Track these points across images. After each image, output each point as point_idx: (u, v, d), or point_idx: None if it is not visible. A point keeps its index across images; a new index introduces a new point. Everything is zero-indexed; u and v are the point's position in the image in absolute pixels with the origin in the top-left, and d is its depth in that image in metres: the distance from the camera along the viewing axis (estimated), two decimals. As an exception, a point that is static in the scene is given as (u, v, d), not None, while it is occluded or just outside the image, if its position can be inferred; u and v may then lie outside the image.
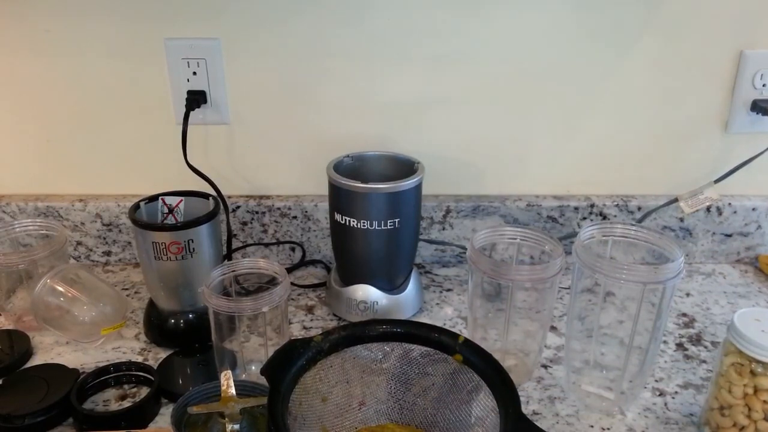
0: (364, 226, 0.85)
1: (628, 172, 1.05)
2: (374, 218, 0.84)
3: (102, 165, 1.04)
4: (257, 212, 1.04)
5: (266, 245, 1.07)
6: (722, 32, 0.95)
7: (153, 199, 0.86)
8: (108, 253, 1.07)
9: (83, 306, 0.84)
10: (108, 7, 0.93)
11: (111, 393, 0.78)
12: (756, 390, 0.64)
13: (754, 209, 1.04)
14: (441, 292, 1.00)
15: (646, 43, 0.96)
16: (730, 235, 1.06)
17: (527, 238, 0.79)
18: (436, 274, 1.05)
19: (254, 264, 0.79)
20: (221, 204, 0.89)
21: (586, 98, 0.99)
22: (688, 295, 0.99)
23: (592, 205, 1.04)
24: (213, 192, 0.92)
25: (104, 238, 1.05)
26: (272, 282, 0.77)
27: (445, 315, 0.94)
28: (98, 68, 0.97)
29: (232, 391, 0.65)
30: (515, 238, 0.80)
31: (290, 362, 0.60)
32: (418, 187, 0.87)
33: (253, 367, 0.79)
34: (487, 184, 1.05)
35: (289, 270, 1.05)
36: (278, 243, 1.07)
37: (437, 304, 0.97)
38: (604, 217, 1.05)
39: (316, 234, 1.06)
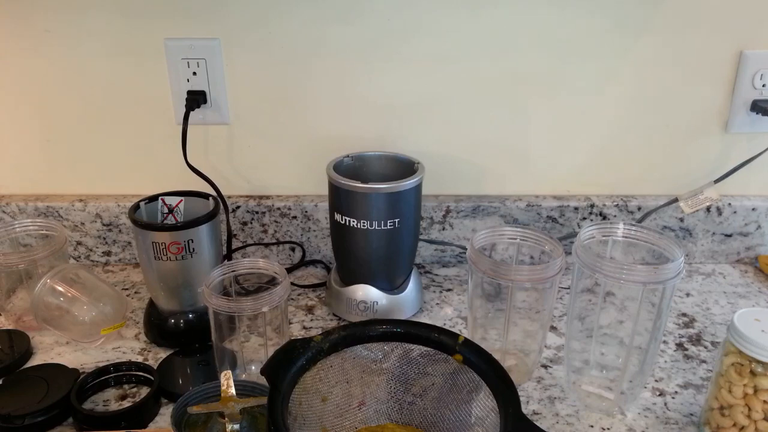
0: (364, 226, 0.85)
1: (628, 172, 1.05)
2: (374, 218, 0.84)
3: (102, 165, 1.04)
4: (257, 212, 1.04)
5: (266, 245, 1.07)
6: (722, 32, 0.95)
7: (153, 199, 0.86)
8: (108, 253, 1.07)
9: (83, 306, 0.84)
10: (108, 7, 0.94)
11: (111, 393, 0.78)
12: (756, 390, 0.64)
13: (754, 209, 1.04)
14: (441, 292, 1.00)
15: (646, 43, 0.96)
16: (730, 235, 1.06)
17: (527, 238, 0.79)
18: (436, 274, 1.05)
19: (254, 264, 0.79)
20: (221, 204, 0.89)
21: (587, 98, 0.99)
22: (688, 295, 0.99)
23: (592, 205, 1.04)
24: (213, 192, 0.93)
25: (104, 238, 1.05)
26: (272, 282, 0.77)
27: (445, 315, 0.94)
28: (98, 68, 0.97)
29: (232, 391, 0.65)
30: (515, 238, 0.80)
31: (290, 362, 0.60)
32: (418, 187, 0.87)
33: (253, 367, 0.79)
34: (487, 184, 1.05)
35: (289, 270, 1.05)
36: (278, 243, 1.07)
37: (437, 304, 0.97)
38: (604, 217, 1.05)
39: (316, 234, 1.06)
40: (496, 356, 0.61)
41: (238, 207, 1.04)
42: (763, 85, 0.97)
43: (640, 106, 1.00)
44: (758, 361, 0.63)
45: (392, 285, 0.92)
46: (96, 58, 0.97)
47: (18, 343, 0.85)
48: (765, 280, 1.03)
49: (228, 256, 0.98)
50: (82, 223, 1.04)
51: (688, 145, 1.02)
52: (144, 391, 0.77)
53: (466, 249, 0.81)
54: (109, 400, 0.77)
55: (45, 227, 0.93)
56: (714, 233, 1.06)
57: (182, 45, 0.95)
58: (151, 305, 0.88)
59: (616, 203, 1.04)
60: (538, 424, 0.56)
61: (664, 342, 0.87)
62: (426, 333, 0.64)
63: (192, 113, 0.95)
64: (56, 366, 0.80)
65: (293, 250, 1.07)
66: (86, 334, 0.85)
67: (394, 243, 0.88)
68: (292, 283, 0.98)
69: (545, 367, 0.83)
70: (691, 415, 0.75)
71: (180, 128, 0.94)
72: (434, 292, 1.00)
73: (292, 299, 0.97)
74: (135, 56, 0.96)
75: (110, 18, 0.94)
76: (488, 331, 0.81)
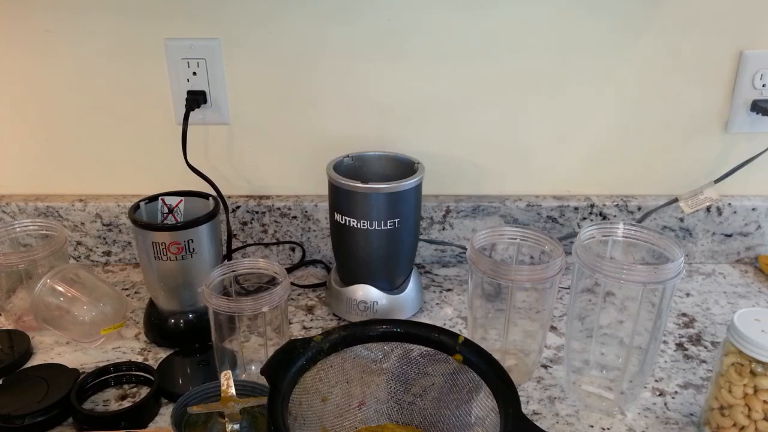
0: (364, 226, 0.85)
1: (628, 172, 1.05)
2: (374, 218, 0.84)
3: (102, 165, 1.04)
4: (257, 212, 1.04)
5: (266, 245, 1.07)
6: (722, 32, 0.95)
7: (153, 199, 0.86)
8: (108, 253, 1.07)
9: (83, 306, 0.84)
10: (108, 7, 0.94)
11: (111, 393, 0.78)
12: (756, 390, 0.64)
13: (754, 209, 1.04)
14: (441, 292, 1.00)
15: (646, 43, 0.96)
16: (730, 235, 1.06)
17: (527, 238, 0.79)
18: (436, 274, 1.05)
19: (254, 264, 0.79)
20: (221, 204, 0.89)
21: (587, 98, 0.99)
22: (688, 295, 0.99)
23: (592, 205, 1.04)
24: (213, 192, 0.93)
25: (104, 238, 1.05)
26: (272, 282, 0.77)
27: (445, 315, 0.94)
28: (98, 68, 0.97)
29: (232, 391, 0.65)
30: (515, 239, 0.80)
31: (290, 362, 0.60)
32: (418, 187, 0.87)
33: (253, 367, 0.79)
34: (487, 184, 1.05)
35: (289, 270, 1.05)
36: (278, 243, 1.07)
37: (437, 304, 0.97)
38: (604, 217, 1.05)
39: (316, 234, 1.06)
40: (496, 356, 0.61)
41: (238, 207, 1.04)
42: (763, 85, 0.97)
43: (640, 106, 1.00)
44: (758, 361, 0.63)
45: (392, 285, 0.92)
46: (96, 58, 0.97)
47: (18, 343, 0.85)
48: (765, 280, 1.03)
49: (228, 256, 0.98)
50: (82, 223, 1.04)
51: (688, 145, 1.02)
52: (144, 391, 0.77)
53: (466, 249, 0.81)
54: (109, 400, 0.76)
55: (45, 227, 0.93)
56: (714, 233, 1.06)
57: (182, 45, 0.95)
58: (151, 305, 0.88)
59: (616, 203, 1.04)
60: (538, 424, 0.56)
61: (664, 342, 0.87)
62: (426, 333, 0.64)
63: (192, 113, 0.95)
64: (56, 366, 0.80)
65: (293, 250, 1.07)
66: (86, 334, 0.85)
67: (394, 243, 0.88)
68: (292, 283, 0.98)
69: (545, 367, 0.83)
70: (691, 415, 0.75)
71: (180, 128, 0.94)
72: (434, 292, 1.00)
73: (292, 299, 0.97)
74: (135, 56, 0.96)
75: (110, 18, 0.94)
76: (488, 331, 0.81)
